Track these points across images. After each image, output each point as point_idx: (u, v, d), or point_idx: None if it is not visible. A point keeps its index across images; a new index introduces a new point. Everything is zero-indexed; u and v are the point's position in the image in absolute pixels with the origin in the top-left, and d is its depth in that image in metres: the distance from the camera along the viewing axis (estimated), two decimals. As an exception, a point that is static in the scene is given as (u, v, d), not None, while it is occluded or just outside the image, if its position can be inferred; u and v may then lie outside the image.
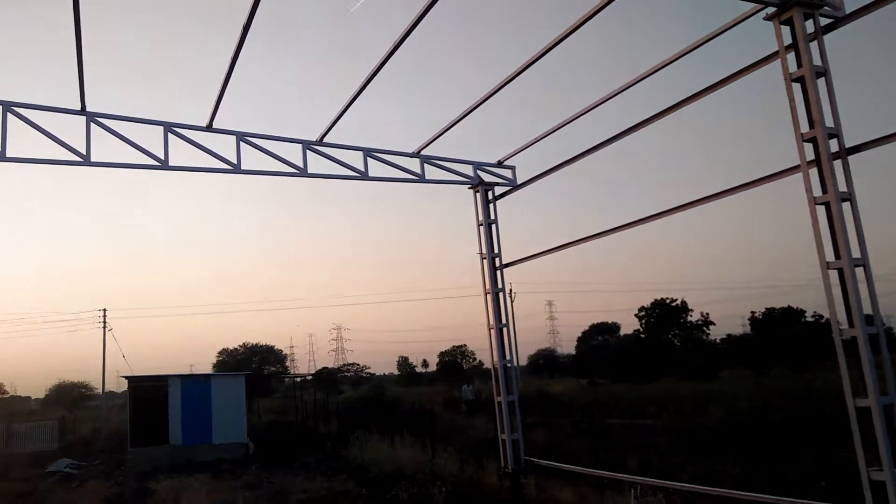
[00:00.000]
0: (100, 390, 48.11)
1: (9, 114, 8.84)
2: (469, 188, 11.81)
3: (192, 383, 26.74)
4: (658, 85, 8.72)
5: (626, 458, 14.49)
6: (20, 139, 8.98)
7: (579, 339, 71.97)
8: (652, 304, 62.89)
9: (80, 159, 9.13)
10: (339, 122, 10.07)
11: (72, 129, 9.16)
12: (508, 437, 11.00)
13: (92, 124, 9.33)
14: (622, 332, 66.92)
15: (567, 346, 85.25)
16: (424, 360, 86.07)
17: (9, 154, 8.74)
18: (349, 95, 9.33)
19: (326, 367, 78.59)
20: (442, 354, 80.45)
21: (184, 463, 21.49)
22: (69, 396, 54.39)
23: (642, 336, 61.60)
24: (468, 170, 11.68)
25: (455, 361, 77.78)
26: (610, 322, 70.41)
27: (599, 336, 69.29)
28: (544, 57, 8.18)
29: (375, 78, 8.67)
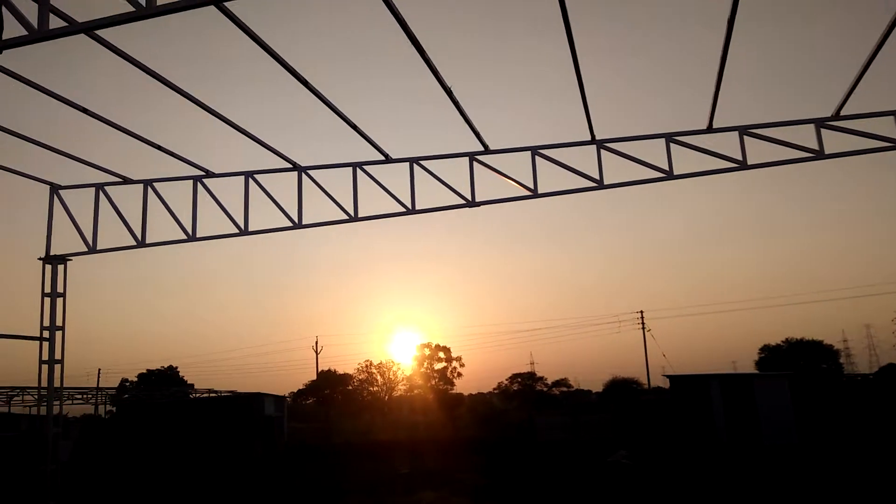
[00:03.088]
0: (647, 386, 51.85)
1: (537, 157, 10.44)
2: None
3: (733, 383, 26.38)
4: None
5: None
6: (547, 175, 10.49)
7: None
8: None
9: (594, 184, 10.13)
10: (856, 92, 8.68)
11: (587, 159, 10.26)
12: None
13: (602, 150, 10.27)
14: None
15: None
16: None
17: (540, 190, 10.32)
18: (866, 57, 7.95)
19: (894, 364, 67.18)
20: None
21: (730, 461, 21.28)
22: (621, 391, 59.74)
23: None
24: None
25: None
26: None
27: None
28: None
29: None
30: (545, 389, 59.84)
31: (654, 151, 9.95)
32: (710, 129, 9.88)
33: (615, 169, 10.05)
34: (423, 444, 33.39)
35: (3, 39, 5.30)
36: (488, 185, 10.84)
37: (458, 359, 51.69)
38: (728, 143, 9.76)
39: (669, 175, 9.90)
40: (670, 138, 10.04)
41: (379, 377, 50.68)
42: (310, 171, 11.28)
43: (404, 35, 7.07)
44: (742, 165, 9.68)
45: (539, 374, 60.84)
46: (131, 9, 5.08)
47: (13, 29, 5.37)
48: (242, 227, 11.21)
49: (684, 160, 9.93)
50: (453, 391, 51.42)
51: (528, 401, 53.47)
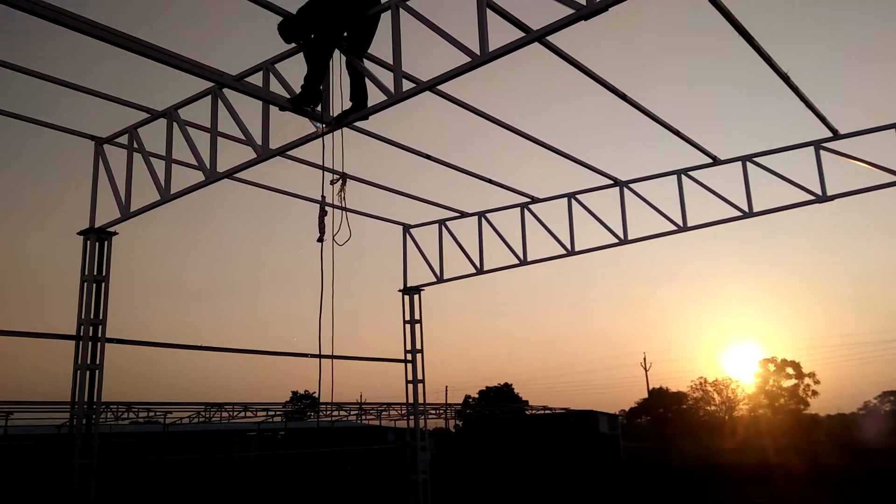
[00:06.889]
0: None
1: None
2: None
3: None
4: None
5: None
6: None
7: None
8: None
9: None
10: None
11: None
12: None
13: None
14: None
15: None
16: None
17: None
18: None
19: None
20: None
21: None
22: None
23: None
24: None
25: None
26: None
27: None
28: None
29: None
30: (931, 410, 49.82)
31: None
32: None
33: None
34: (775, 471, 30.19)
35: (370, 106, 6.26)
36: (839, 174, 9.48)
37: (812, 375, 45.79)
38: None
39: None
40: None
41: (716, 395, 47.38)
42: (631, 185, 11.09)
43: (729, 26, 6.56)
44: None
45: (920, 392, 50.97)
46: (467, 59, 5.57)
47: (374, 96, 6.32)
48: (569, 247, 11.45)
49: None
50: (807, 411, 45.58)
51: (907, 423, 44.99)
